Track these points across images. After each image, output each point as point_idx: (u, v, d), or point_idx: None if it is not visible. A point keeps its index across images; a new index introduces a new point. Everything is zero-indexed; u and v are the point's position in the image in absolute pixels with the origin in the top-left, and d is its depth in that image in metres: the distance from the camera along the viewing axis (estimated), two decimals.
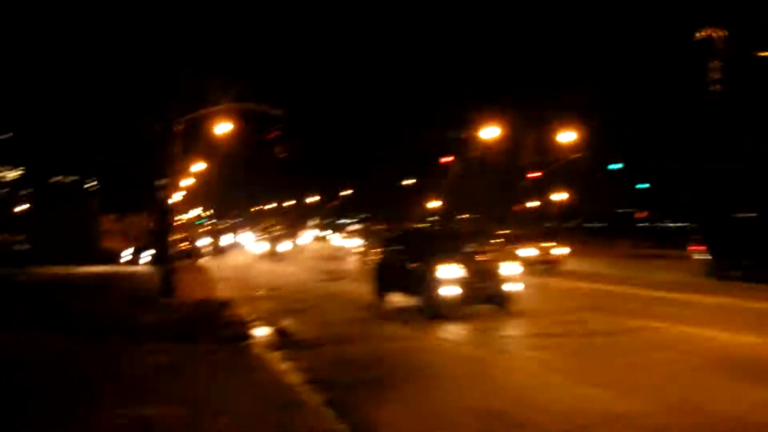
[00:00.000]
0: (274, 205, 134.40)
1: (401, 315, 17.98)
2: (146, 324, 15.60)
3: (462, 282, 16.92)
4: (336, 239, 73.40)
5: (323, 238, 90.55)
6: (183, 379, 10.48)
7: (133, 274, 32.77)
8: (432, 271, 16.98)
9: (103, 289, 23.89)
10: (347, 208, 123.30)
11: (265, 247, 48.20)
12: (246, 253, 55.04)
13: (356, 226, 74.12)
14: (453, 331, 15.48)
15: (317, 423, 8.23)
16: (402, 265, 18.92)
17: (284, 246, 49.06)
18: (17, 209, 75.45)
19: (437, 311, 16.83)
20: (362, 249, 36.47)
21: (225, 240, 54.17)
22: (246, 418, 8.30)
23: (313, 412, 8.71)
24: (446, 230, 38.27)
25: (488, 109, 47.88)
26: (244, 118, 31.57)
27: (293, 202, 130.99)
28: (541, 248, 31.33)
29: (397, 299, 19.46)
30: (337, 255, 50.23)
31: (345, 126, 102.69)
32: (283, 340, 14.54)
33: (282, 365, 11.79)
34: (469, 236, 22.61)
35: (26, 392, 9.51)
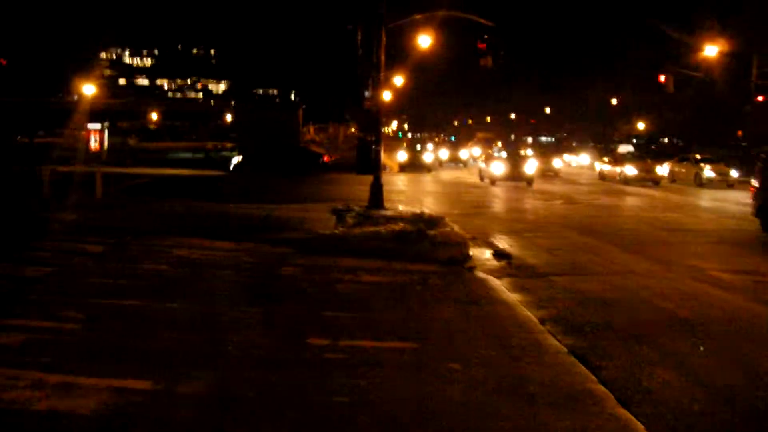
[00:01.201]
0: (470, 121, 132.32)
1: (634, 242, 16.15)
2: (358, 237, 14.75)
3: None
4: (595, 164, 50.88)
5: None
6: (407, 308, 9.50)
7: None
8: None
9: (299, 196, 23.81)
10: (544, 127, 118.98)
11: (499, 167, 36.03)
12: (466, 171, 48.52)
13: (627, 148, 60.00)
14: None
15: (567, 378, 6.84)
16: None
17: (530, 167, 36.42)
18: (225, 119, 78.81)
19: None
20: None
21: (441, 155, 49.28)
22: (479, 366, 7.04)
23: (558, 363, 7.31)
24: None
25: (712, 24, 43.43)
26: (449, 28, 30.17)
27: (487, 118, 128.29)
28: None
29: None
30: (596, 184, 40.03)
31: (550, 38, 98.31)
32: (506, 265, 13.17)
33: (511, 295, 10.45)
34: None
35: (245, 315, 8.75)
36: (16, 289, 9.50)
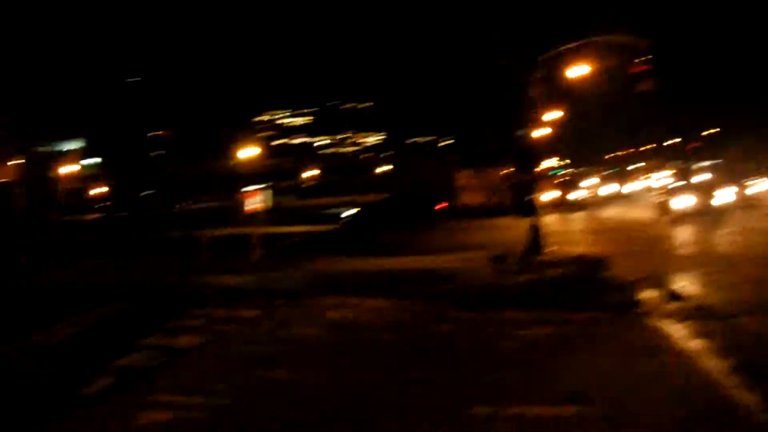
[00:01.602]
0: (631, 150, 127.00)
1: None
2: (517, 287, 13.93)
3: None
4: None
5: None
6: (567, 363, 8.61)
7: None
8: None
9: (453, 245, 23.36)
10: (705, 151, 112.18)
11: (685, 199, 30.73)
12: (635, 207, 42.26)
13: None
14: None
15: None
16: None
17: (725, 196, 31.51)
18: (379, 170, 79.69)
19: None
20: None
21: (606, 189, 47.14)
22: None
23: (762, 428, 6.27)
24: None
25: None
26: (604, 54, 28.90)
27: (651, 146, 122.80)
28: None
29: None
30: None
31: (714, 60, 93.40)
32: (682, 307, 11.92)
33: (690, 343, 9.32)
34: None
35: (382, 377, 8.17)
36: (167, 362, 9.38)
